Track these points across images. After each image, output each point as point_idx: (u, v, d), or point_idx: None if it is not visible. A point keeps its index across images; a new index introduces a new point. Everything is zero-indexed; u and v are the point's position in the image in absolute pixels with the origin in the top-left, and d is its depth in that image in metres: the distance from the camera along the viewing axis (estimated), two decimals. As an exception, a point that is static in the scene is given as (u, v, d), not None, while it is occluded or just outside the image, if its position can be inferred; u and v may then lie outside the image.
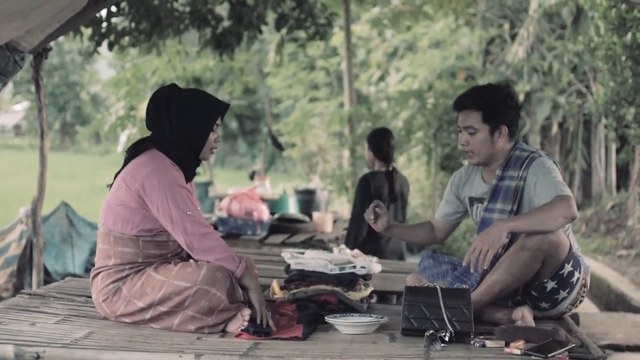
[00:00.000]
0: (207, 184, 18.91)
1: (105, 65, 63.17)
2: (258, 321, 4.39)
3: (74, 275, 9.98)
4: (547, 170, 4.77)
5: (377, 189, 8.20)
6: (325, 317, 4.62)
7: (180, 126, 4.54)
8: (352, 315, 4.72)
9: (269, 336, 4.27)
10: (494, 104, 4.92)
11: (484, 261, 4.46)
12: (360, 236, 8.11)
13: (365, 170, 9.39)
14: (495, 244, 4.47)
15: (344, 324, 4.51)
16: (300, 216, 9.77)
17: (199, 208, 4.58)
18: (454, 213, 5.36)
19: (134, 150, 4.58)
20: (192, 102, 4.59)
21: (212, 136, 4.64)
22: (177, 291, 4.36)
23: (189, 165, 4.63)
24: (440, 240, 5.53)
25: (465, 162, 5.32)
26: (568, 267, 4.69)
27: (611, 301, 14.75)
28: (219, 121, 4.65)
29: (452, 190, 5.35)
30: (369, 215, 5.15)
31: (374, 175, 8.29)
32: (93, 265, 4.70)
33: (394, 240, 8.25)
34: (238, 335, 4.29)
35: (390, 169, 8.36)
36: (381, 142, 8.34)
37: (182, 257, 4.61)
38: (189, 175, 4.63)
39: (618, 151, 25.92)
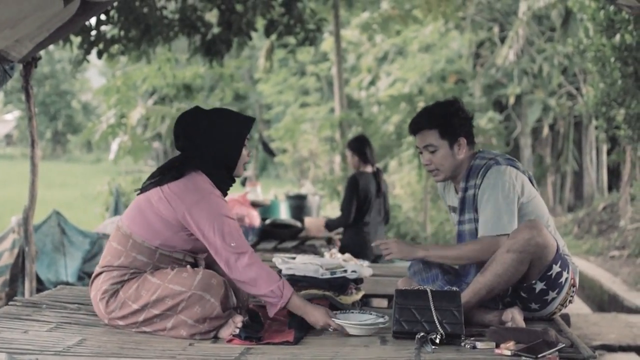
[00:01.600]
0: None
1: (96, 73, 63.11)
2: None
3: (67, 284, 9.97)
4: (494, 193, 4.82)
5: (365, 187, 9.10)
6: (336, 320, 4.64)
7: (214, 146, 4.60)
8: (352, 312, 4.78)
9: (261, 341, 4.29)
10: (448, 118, 4.98)
11: (384, 255, 4.95)
12: (346, 223, 9.17)
13: None
14: (403, 254, 4.98)
15: (351, 326, 4.53)
16: (292, 221, 9.78)
17: (240, 231, 4.59)
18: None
19: (177, 169, 4.58)
20: (220, 121, 4.65)
21: (244, 151, 4.70)
22: (171, 295, 4.39)
23: (225, 185, 4.68)
24: None
25: None
26: (556, 268, 4.71)
27: (604, 302, 14.79)
28: (248, 136, 4.72)
29: (443, 199, 5.43)
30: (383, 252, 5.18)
31: (362, 175, 9.14)
32: (86, 273, 4.71)
33: (368, 239, 9.14)
34: (230, 341, 4.31)
35: (375, 169, 9.28)
36: (364, 146, 9.24)
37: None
38: (225, 194, 4.70)
39: (609, 152, 26.02)
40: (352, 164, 9.37)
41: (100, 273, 4.61)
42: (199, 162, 4.59)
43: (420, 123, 5.06)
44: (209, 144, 4.59)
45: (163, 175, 4.58)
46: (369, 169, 9.25)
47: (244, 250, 4.45)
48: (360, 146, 9.27)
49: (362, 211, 9.17)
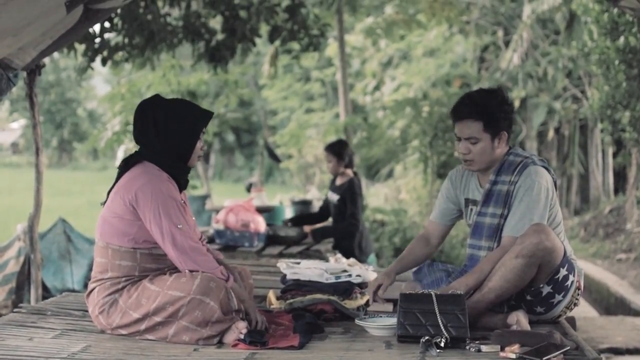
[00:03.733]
0: (205, 197, 18.92)
1: (102, 81, 63.25)
2: (252, 326, 4.45)
3: (73, 291, 9.98)
4: (529, 194, 4.80)
5: (360, 190, 9.37)
6: (356, 320, 4.74)
7: (167, 136, 4.59)
8: (380, 317, 4.81)
9: (265, 346, 4.28)
10: (493, 112, 4.90)
11: None
12: (358, 230, 9.30)
13: None
14: None
15: (374, 327, 4.60)
16: (291, 231, 9.76)
17: (193, 219, 4.62)
18: (452, 211, 5.32)
19: (125, 165, 4.63)
20: (177, 112, 4.64)
21: (199, 144, 4.70)
22: (171, 301, 4.38)
23: (179, 174, 4.67)
24: (437, 247, 5.50)
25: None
26: (563, 272, 4.70)
27: (611, 305, 14.77)
28: (204, 129, 4.71)
29: (450, 187, 5.31)
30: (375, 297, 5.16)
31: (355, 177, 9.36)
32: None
33: (365, 243, 9.50)
34: (235, 346, 4.30)
35: (354, 173, 9.48)
36: (345, 151, 9.35)
37: (179, 270, 4.62)
38: (182, 184, 4.69)
39: (615, 155, 25.98)
40: (332, 168, 9.45)
41: (93, 289, 4.62)
42: (148, 153, 4.61)
43: (464, 112, 4.95)
44: (163, 133, 4.59)
45: (117, 177, 4.64)
46: (349, 172, 9.36)
47: (189, 234, 4.48)
48: (342, 150, 9.36)
49: (360, 211, 9.38)
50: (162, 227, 4.42)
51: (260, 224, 9.42)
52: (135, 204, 4.44)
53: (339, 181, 9.45)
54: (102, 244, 4.58)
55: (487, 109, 4.90)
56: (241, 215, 9.38)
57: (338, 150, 9.38)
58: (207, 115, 4.74)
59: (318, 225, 9.79)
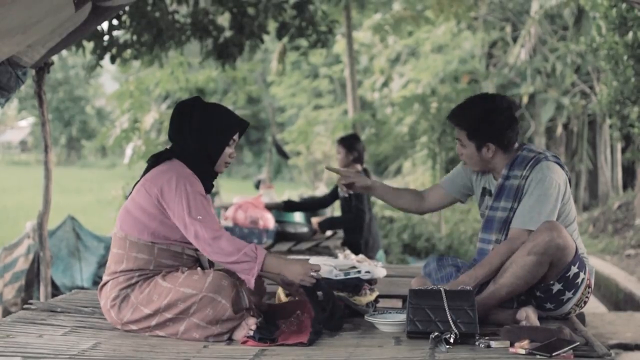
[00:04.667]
0: (213, 194, 18.91)
1: (110, 78, 63.27)
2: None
3: (82, 289, 10.00)
4: (539, 188, 4.80)
5: None
6: (365, 317, 4.75)
7: (199, 137, 4.63)
8: (390, 313, 4.82)
9: (275, 342, 4.29)
10: (475, 123, 4.91)
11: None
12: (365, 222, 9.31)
13: None
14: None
15: (384, 323, 4.62)
16: (299, 227, 9.76)
17: (210, 209, 4.61)
18: (461, 188, 5.33)
19: (155, 160, 4.67)
20: (213, 115, 4.68)
21: (227, 150, 4.71)
22: (182, 298, 4.39)
23: (206, 176, 4.68)
24: (424, 211, 5.54)
25: None
26: (574, 269, 4.69)
27: (619, 300, 14.75)
28: (236, 137, 4.73)
29: (467, 170, 5.29)
30: (340, 184, 5.33)
31: (365, 172, 9.27)
32: (101, 278, 4.73)
33: (372, 240, 9.47)
34: (244, 342, 4.31)
35: (364, 169, 9.39)
36: (357, 145, 9.36)
37: (193, 268, 4.63)
38: (207, 187, 4.68)
39: (623, 151, 25.94)
40: (341, 161, 9.44)
41: (106, 282, 4.63)
42: (179, 152, 4.64)
43: (454, 118, 5.05)
44: (195, 133, 4.62)
45: (146, 171, 4.66)
46: (358, 167, 9.34)
47: (211, 223, 4.45)
48: (355, 144, 9.38)
49: (369, 208, 9.43)
50: (185, 220, 4.42)
51: (269, 220, 9.43)
52: (160, 197, 4.47)
53: None
54: (121, 235, 4.60)
55: (469, 119, 4.94)
56: (250, 212, 9.39)
57: (349, 143, 9.40)
58: (243, 123, 4.77)
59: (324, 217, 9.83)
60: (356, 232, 9.32)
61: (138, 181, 4.66)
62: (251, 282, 4.40)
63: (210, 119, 4.65)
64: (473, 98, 5.11)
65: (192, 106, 4.70)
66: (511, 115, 4.96)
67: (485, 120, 4.90)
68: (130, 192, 4.69)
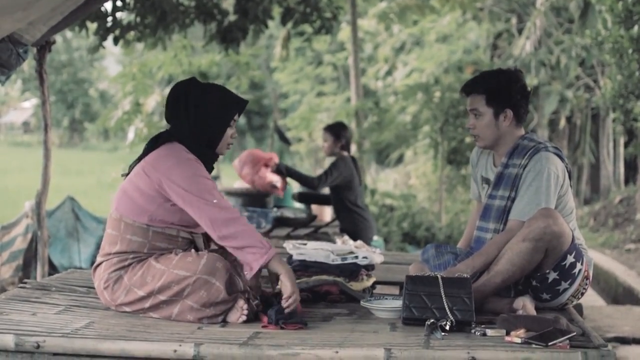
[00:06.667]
0: (214, 178, 18.91)
1: (114, 62, 63.28)
2: (285, 305, 4.35)
3: (79, 269, 9.99)
4: (538, 179, 4.79)
5: (357, 171, 9.50)
6: (361, 302, 4.75)
7: (198, 120, 4.57)
8: (386, 299, 4.81)
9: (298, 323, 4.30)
10: (497, 87, 4.93)
11: None
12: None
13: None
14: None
15: (380, 309, 4.63)
16: (298, 212, 9.72)
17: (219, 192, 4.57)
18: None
19: (154, 142, 4.61)
20: (211, 96, 4.62)
21: (229, 131, 4.66)
22: (176, 280, 4.37)
23: (206, 159, 4.63)
24: None
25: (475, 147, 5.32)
26: (570, 259, 4.67)
27: (618, 294, 14.75)
28: (236, 117, 4.69)
29: (471, 167, 5.39)
30: None
31: (353, 160, 9.55)
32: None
33: (365, 224, 9.48)
34: (264, 327, 4.29)
35: (351, 157, 9.52)
36: (345, 133, 9.46)
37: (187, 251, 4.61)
38: (208, 170, 4.64)
39: (626, 145, 25.92)
40: (328, 148, 9.52)
41: (100, 263, 4.61)
42: (178, 135, 4.59)
43: (471, 86, 5.05)
44: (194, 116, 4.56)
45: (144, 153, 4.60)
46: (344, 154, 9.43)
47: (226, 205, 4.43)
48: (342, 132, 9.47)
49: (359, 194, 9.50)
50: (198, 206, 4.38)
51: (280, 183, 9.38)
52: (164, 183, 4.42)
53: None
54: (116, 216, 4.57)
55: (492, 83, 4.97)
56: (268, 177, 9.30)
57: (336, 130, 9.48)
58: (241, 102, 4.72)
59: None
60: (344, 218, 9.33)
61: (135, 163, 4.62)
62: (254, 271, 4.37)
63: (208, 101, 4.59)
64: (487, 71, 5.26)
65: (188, 87, 4.65)
66: (526, 87, 5.03)
67: (505, 86, 4.94)
68: (127, 173, 4.65)
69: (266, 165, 9.24)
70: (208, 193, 4.41)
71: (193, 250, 4.55)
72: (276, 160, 9.32)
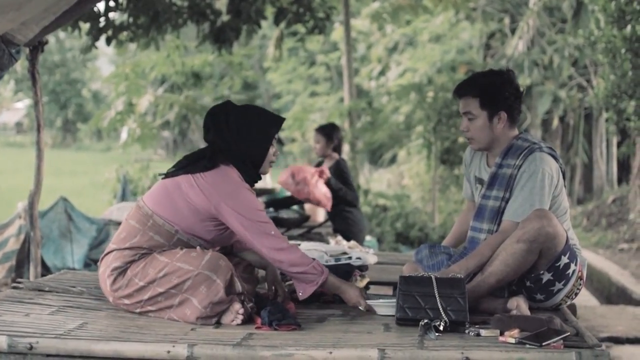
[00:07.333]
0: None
1: (107, 62, 63.19)
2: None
3: (72, 270, 9.97)
4: (532, 180, 4.78)
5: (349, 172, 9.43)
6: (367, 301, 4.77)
7: (241, 143, 4.62)
8: (380, 300, 4.81)
9: (293, 325, 4.30)
10: (491, 90, 4.91)
11: None
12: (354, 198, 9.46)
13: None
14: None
15: (382, 305, 4.64)
16: (292, 213, 9.71)
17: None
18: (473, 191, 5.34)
19: (211, 161, 4.60)
20: (250, 118, 4.67)
21: (271, 150, 4.72)
22: (177, 273, 4.40)
23: (251, 180, 4.69)
24: None
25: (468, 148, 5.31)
26: (564, 259, 4.67)
27: (612, 294, 14.76)
28: (276, 135, 4.74)
29: (464, 167, 5.38)
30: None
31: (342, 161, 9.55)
32: (92, 260, 4.71)
33: (358, 224, 9.42)
34: (258, 328, 4.30)
35: (341, 158, 9.49)
36: (337, 134, 9.44)
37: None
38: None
39: (619, 145, 25.94)
40: (320, 150, 9.50)
41: (111, 251, 4.61)
42: (229, 156, 4.61)
43: (464, 88, 5.01)
44: (237, 140, 4.61)
45: (193, 165, 4.59)
46: (336, 156, 9.43)
47: (280, 235, 4.55)
48: (334, 133, 9.45)
49: (355, 196, 9.47)
50: (257, 235, 4.50)
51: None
52: (221, 208, 4.48)
53: (325, 165, 9.45)
54: (147, 212, 4.57)
55: (485, 86, 4.93)
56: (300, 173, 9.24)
57: (328, 132, 9.47)
58: (279, 120, 4.79)
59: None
60: (337, 219, 9.31)
61: (183, 168, 4.62)
62: (306, 295, 4.56)
63: (249, 123, 4.65)
64: (480, 72, 5.17)
65: (226, 110, 4.70)
66: (519, 88, 5.01)
67: (499, 88, 4.92)
68: (167, 176, 4.66)
69: (320, 176, 9.20)
70: (264, 223, 4.51)
71: (198, 247, 4.56)
72: (328, 173, 9.27)
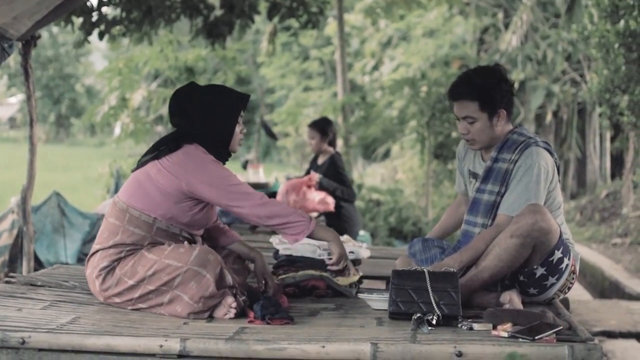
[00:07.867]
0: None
1: (100, 57, 63.03)
2: (332, 262, 4.82)
3: (65, 265, 9.95)
4: (528, 174, 4.78)
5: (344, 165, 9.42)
6: (359, 294, 4.85)
7: (207, 122, 4.64)
8: (372, 294, 4.83)
9: (285, 319, 4.30)
10: (490, 91, 4.86)
11: None
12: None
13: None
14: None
15: (375, 299, 4.66)
16: None
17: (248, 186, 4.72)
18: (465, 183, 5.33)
19: (173, 142, 4.63)
20: (214, 97, 4.70)
21: (237, 128, 4.74)
22: (167, 270, 4.40)
23: (222, 158, 4.73)
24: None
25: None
26: (557, 254, 4.67)
27: (605, 289, 14.78)
28: (242, 112, 4.75)
29: (457, 161, 5.35)
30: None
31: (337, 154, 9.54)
32: (85, 255, 4.72)
33: (351, 219, 9.36)
34: (251, 322, 4.30)
35: (336, 152, 9.49)
36: (331, 128, 9.43)
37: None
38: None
39: (612, 139, 25.97)
40: (315, 145, 9.50)
41: (96, 251, 4.60)
42: (194, 136, 4.62)
43: (460, 92, 4.92)
44: (203, 120, 4.63)
45: (159, 150, 4.60)
46: (331, 150, 9.44)
47: (257, 193, 4.60)
48: (328, 128, 9.44)
49: (352, 192, 9.45)
50: (232, 200, 4.54)
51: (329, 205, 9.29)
52: (192, 184, 4.51)
53: (320, 159, 9.46)
54: (122, 207, 4.59)
55: (483, 89, 4.87)
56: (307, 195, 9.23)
57: (322, 127, 9.45)
58: (244, 97, 4.79)
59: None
60: (330, 213, 9.30)
61: (148, 159, 4.63)
62: (299, 237, 4.58)
63: (213, 102, 4.67)
64: (471, 72, 5.06)
65: (190, 92, 4.72)
66: (512, 82, 4.99)
67: (497, 87, 4.88)
68: (138, 167, 4.68)
69: (308, 187, 9.18)
70: (237, 185, 4.56)
71: (186, 242, 4.56)
72: (316, 178, 9.24)
